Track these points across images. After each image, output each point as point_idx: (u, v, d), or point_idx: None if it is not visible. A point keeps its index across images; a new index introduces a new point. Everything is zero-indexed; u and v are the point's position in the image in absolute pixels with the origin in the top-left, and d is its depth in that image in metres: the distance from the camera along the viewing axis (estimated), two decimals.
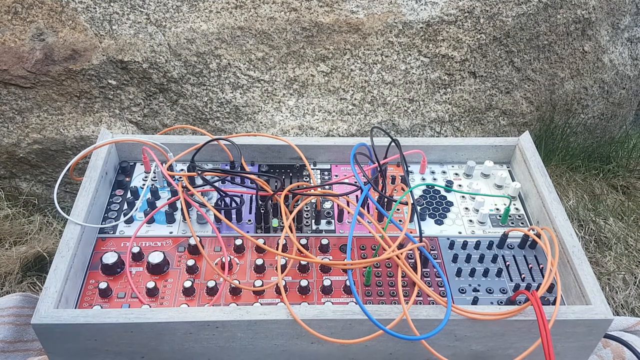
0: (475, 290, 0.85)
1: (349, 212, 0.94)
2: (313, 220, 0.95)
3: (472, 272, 0.87)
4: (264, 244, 0.87)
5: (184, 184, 0.91)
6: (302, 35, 1.43)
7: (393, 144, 0.98)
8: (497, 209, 0.99)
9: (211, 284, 0.82)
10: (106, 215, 0.94)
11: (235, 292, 0.82)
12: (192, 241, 0.87)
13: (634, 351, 0.96)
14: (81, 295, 0.82)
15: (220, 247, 0.89)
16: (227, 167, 1.03)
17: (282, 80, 1.45)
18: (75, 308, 0.80)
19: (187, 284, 0.82)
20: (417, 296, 0.82)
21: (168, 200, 0.95)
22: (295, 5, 1.42)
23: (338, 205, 0.94)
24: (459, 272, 0.87)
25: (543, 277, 0.87)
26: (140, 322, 0.73)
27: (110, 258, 0.85)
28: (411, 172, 1.06)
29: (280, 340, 0.78)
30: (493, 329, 0.77)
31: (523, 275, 0.87)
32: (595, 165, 1.82)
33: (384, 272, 0.87)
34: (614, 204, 1.64)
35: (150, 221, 0.94)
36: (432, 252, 0.91)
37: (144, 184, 1.00)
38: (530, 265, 0.89)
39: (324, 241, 0.89)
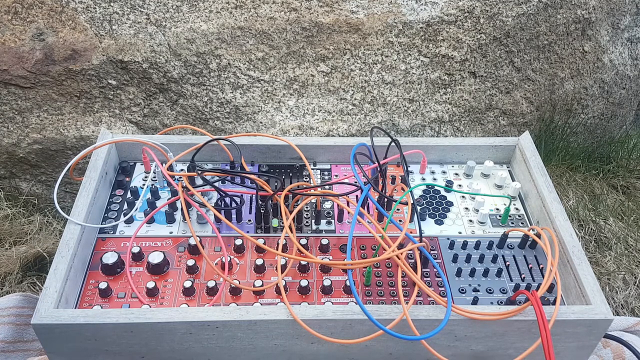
0: (475, 290, 0.85)
1: (349, 212, 0.94)
2: (313, 220, 0.95)
3: (472, 272, 0.87)
4: (264, 244, 0.87)
5: (184, 184, 0.91)
6: (302, 35, 1.43)
7: (393, 144, 0.98)
8: (497, 209, 0.99)
9: (211, 284, 0.82)
10: (106, 215, 0.94)
11: (235, 292, 0.82)
12: (192, 241, 0.87)
13: (634, 351, 0.96)
14: (81, 295, 0.82)
15: (220, 247, 0.89)
16: (227, 167, 1.03)
17: (282, 80, 1.45)
18: (75, 308, 0.80)
19: (187, 284, 0.82)
20: (417, 296, 0.82)
21: (168, 200, 0.95)
22: (295, 5, 1.42)
23: (338, 205, 0.94)
24: (459, 272, 0.87)
25: (543, 277, 0.87)
26: (140, 322, 0.74)
27: (110, 258, 0.85)
28: (411, 172, 1.06)
29: (280, 340, 0.78)
30: (493, 329, 0.77)
31: (523, 275, 0.87)
32: (595, 165, 1.82)
33: (384, 272, 0.87)
34: (614, 204, 1.64)
35: (150, 221, 0.94)
36: (432, 252, 0.91)
37: (144, 184, 1.01)
38: (530, 265, 0.89)
39: (324, 241, 0.89)
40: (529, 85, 1.69)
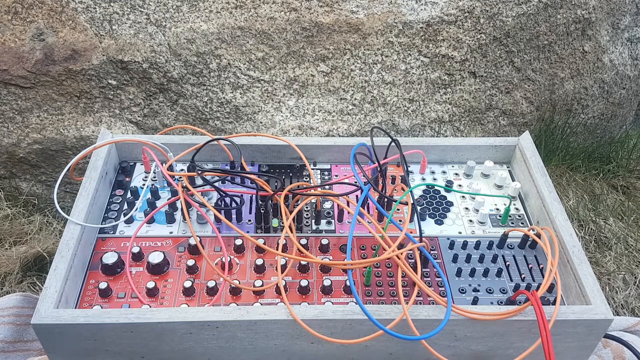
0: (475, 290, 0.85)
1: (349, 212, 0.94)
2: (313, 220, 0.95)
3: (472, 272, 0.87)
4: (264, 244, 0.87)
5: (184, 184, 0.91)
6: (302, 35, 1.43)
7: (393, 144, 0.98)
8: (497, 209, 0.99)
9: (211, 284, 0.82)
10: (106, 215, 0.94)
11: (235, 292, 0.82)
12: (192, 241, 0.87)
13: (634, 351, 0.96)
14: (81, 295, 0.82)
15: (220, 247, 0.89)
16: (227, 167, 1.03)
17: (282, 80, 1.45)
18: (75, 308, 0.80)
19: (187, 284, 0.82)
20: (417, 296, 0.82)
21: (168, 200, 0.95)
22: (295, 5, 1.42)
23: (338, 205, 0.94)
24: (459, 272, 0.87)
25: (543, 277, 0.87)
26: (140, 322, 0.74)
27: (110, 258, 0.85)
28: (411, 172, 1.06)
29: (280, 340, 0.78)
30: (493, 329, 0.77)
31: (523, 275, 0.87)
32: (595, 165, 1.82)
33: (384, 272, 0.87)
34: (614, 204, 1.64)
35: (150, 221, 0.94)
36: (432, 252, 0.91)
37: (144, 184, 1.01)
38: (530, 265, 0.89)
39: (324, 241, 0.89)
40: (529, 85, 1.68)
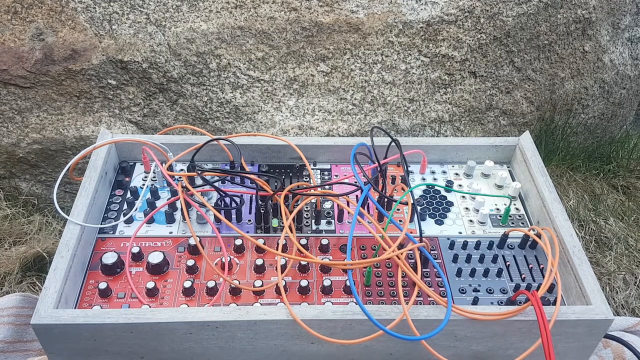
0: (475, 290, 0.85)
1: (349, 212, 0.94)
2: (313, 220, 0.95)
3: (473, 272, 0.87)
4: (264, 244, 0.87)
5: (184, 184, 0.91)
6: (302, 35, 1.43)
7: (393, 144, 0.98)
8: (498, 209, 0.99)
9: (211, 284, 0.82)
10: (106, 215, 0.94)
11: (235, 292, 0.82)
12: (192, 241, 0.87)
13: (634, 351, 0.96)
14: (81, 295, 0.82)
15: (220, 247, 0.89)
16: (227, 167, 1.03)
17: (282, 80, 1.45)
18: (75, 308, 0.80)
19: (187, 284, 0.82)
20: (417, 296, 0.82)
21: (168, 200, 0.95)
22: (295, 5, 1.42)
23: (338, 205, 0.94)
24: (459, 272, 0.87)
25: (543, 277, 0.87)
26: (140, 322, 0.73)
27: (110, 258, 0.84)
28: (411, 172, 1.06)
29: (280, 340, 0.78)
30: (493, 329, 0.77)
31: (523, 276, 0.87)
32: (595, 165, 1.82)
33: (384, 272, 0.87)
34: (614, 204, 1.64)
35: (150, 221, 0.93)
36: (432, 252, 0.91)
37: (143, 184, 1.00)
38: (530, 266, 0.89)
39: (324, 241, 0.89)
40: (529, 85, 1.68)
